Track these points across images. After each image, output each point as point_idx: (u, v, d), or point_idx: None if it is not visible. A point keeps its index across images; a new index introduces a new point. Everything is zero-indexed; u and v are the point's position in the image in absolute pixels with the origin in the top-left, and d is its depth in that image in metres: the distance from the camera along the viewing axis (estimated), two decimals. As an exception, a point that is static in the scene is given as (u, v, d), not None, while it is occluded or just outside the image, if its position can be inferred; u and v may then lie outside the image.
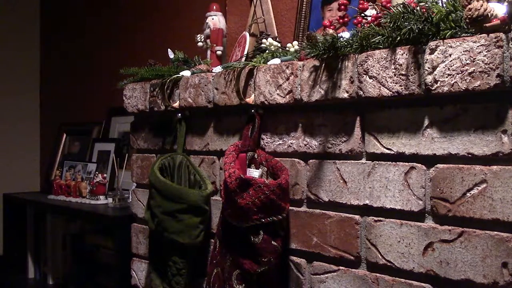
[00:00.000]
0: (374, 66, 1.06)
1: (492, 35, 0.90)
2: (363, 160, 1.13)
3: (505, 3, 0.88)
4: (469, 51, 0.92)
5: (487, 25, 0.88)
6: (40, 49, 3.53)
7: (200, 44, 1.75)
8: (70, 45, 3.27)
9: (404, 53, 1.02)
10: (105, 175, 2.44)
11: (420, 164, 1.04)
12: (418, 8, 1.00)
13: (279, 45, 1.43)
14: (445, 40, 0.96)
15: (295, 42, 1.39)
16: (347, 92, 1.12)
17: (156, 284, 1.49)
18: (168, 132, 1.62)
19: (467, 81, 0.93)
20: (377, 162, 1.10)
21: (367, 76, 1.08)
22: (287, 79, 1.23)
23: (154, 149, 1.67)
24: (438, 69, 0.96)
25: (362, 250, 1.13)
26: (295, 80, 1.21)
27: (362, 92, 1.09)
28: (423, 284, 1.03)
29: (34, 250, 2.87)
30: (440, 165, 1.00)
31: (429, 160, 1.02)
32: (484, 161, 0.95)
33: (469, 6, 0.88)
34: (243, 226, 1.23)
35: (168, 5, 2.53)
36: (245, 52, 1.55)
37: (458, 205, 0.98)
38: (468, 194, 0.96)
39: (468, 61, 0.92)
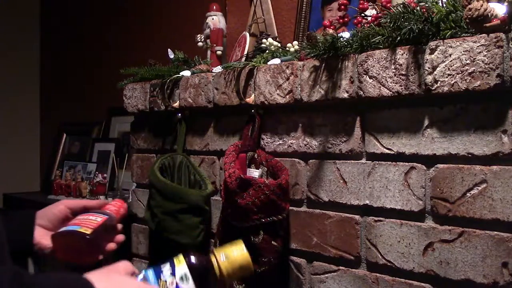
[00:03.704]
0: (374, 66, 1.06)
1: (492, 35, 0.90)
2: (363, 160, 1.13)
3: (505, 3, 0.88)
4: (469, 51, 0.92)
5: (487, 25, 0.88)
6: (40, 49, 3.53)
7: (200, 44, 1.75)
8: (70, 45, 3.26)
9: (404, 53, 1.02)
10: (105, 175, 2.43)
11: (420, 164, 1.03)
12: (418, 8, 1.00)
13: (279, 45, 1.43)
14: (445, 40, 0.96)
15: (295, 42, 1.39)
16: (347, 92, 1.11)
17: (156, 284, 1.49)
18: (168, 132, 1.62)
19: (467, 81, 0.93)
20: (377, 162, 1.10)
21: (367, 76, 1.08)
22: (287, 79, 1.23)
23: (154, 149, 1.67)
24: (438, 69, 0.96)
25: (362, 250, 1.13)
26: (295, 80, 1.21)
27: (362, 92, 1.09)
28: (423, 284, 1.03)
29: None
30: (440, 165, 1.00)
31: (429, 160, 1.02)
32: (484, 161, 0.95)
33: (469, 6, 0.88)
34: (243, 226, 1.23)
35: (168, 5, 2.53)
36: (245, 52, 1.55)
37: (458, 205, 0.97)
38: (468, 194, 0.96)
39: (468, 61, 0.92)
